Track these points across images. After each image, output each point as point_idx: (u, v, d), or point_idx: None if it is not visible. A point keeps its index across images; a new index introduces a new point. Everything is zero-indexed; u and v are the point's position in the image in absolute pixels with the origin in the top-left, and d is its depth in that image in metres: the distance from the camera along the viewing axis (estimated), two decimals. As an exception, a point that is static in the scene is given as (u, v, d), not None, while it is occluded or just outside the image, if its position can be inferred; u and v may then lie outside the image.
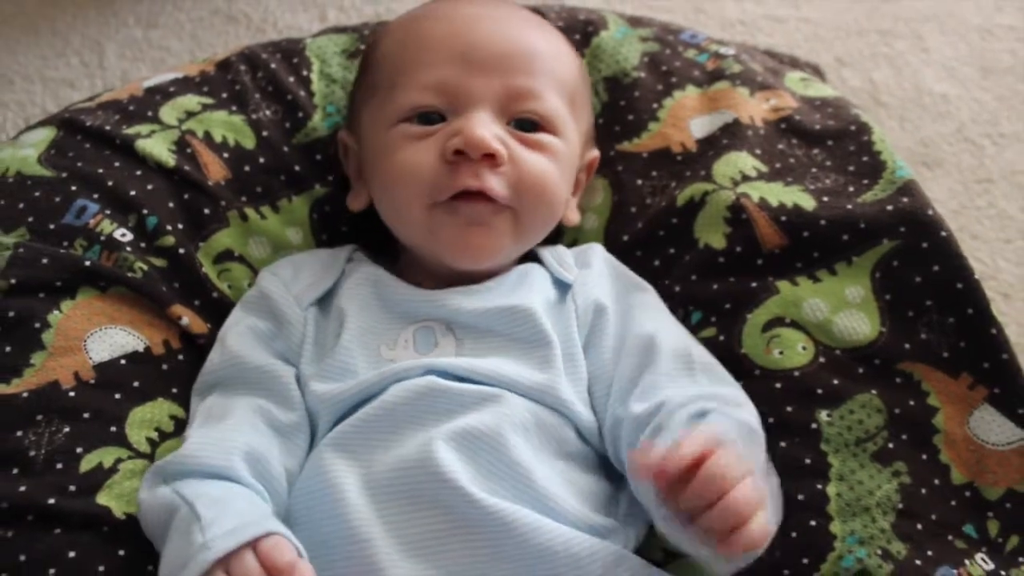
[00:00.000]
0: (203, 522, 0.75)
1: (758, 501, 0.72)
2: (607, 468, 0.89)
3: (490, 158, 0.90)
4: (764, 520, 0.73)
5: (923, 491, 0.87)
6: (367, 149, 0.99)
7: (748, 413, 0.85)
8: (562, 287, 0.95)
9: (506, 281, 0.94)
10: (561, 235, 1.06)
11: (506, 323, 0.90)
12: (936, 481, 0.88)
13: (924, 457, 0.89)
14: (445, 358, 0.88)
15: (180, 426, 0.91)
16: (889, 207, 0.96)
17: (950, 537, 0.86)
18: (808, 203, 0.98)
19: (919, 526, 0.86)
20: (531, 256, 0.99)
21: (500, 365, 0.87)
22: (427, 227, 0.93)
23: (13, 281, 0.91)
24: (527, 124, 0.94)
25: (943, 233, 0.94)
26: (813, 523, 0.86)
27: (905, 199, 0.96)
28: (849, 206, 0.97)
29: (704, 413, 0.80)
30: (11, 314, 0.90)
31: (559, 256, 0.98)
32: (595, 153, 1.05)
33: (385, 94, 0.97)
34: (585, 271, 0.96)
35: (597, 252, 0.99)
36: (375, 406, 0.85)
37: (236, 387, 0.89)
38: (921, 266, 0.93)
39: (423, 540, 0.79)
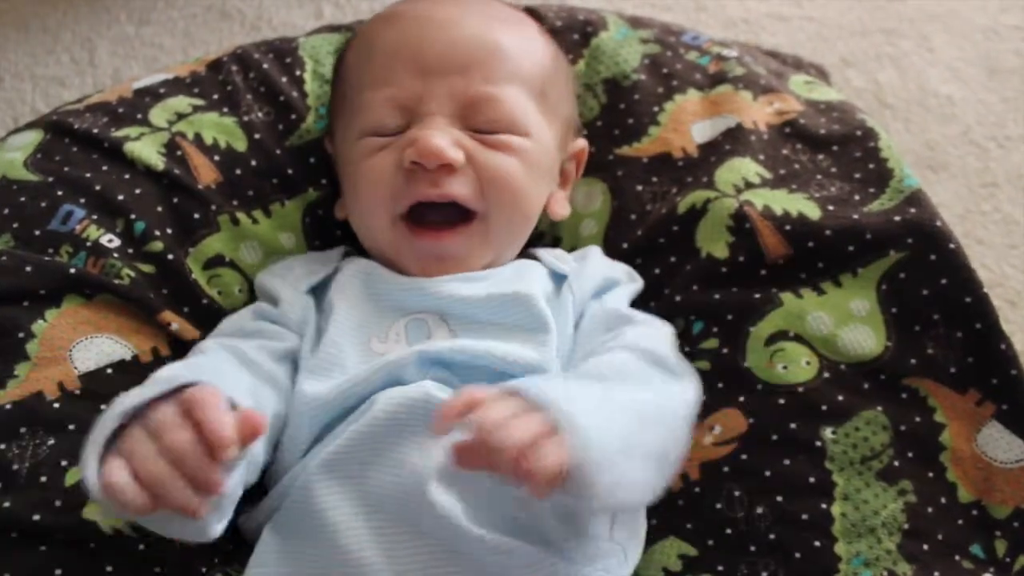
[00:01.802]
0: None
1: (529, 431, 0.65)
2: None
3: (447, 167, 0.89)
4: (558, 448, 0.65)
5: (929, 510, 0.86)
6: (340, 161, 0.99)
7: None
8: (558, 280, 0.93)
9: (503, 272, 0.92)
10: (559, 243, 1.04)
11: (504, 311, 0.88)
12: (943, 500, 0.86)
13: (931, 475, 0.87)
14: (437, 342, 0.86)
15: (170, 437, 0.89)
16: (896, 217, 0.94)
17: (957, 557, 0.84)
18: (813, 212, 0.96)
19: (925, 547, 0.84)
20: (527, 256, 0.97)
21: (493, 347, 0.85)
22: (393, 243, 0.92)
23: (-4, 290, 0.89)
24: (490, 131, 0.92)
25: (951, 245, 0.92)
26: (817, 544, 0.84)
27: (913, 209, 0.94)
28: (855, 216, 0.94)
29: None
30: (-6, 324, 0.88)
31: (555, 254, 0.97)
32: (581, 143, 1.02)
33: (350, 110, 0.96)
34: (581, 263, 0.95)
35: (595, 251, 0.98)
36: (366, 423, 0.82)
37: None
38: (929, 279, 0.91)
39: (423, 570, 0.77)
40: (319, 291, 0.94)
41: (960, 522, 0.86)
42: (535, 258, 0.96)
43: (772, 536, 0.85)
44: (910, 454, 0.87)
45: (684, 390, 0.82)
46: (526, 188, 0.93)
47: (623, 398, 0.76)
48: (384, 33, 0.96)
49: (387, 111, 0.92)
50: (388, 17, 0.99)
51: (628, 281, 0.96)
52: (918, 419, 0.88)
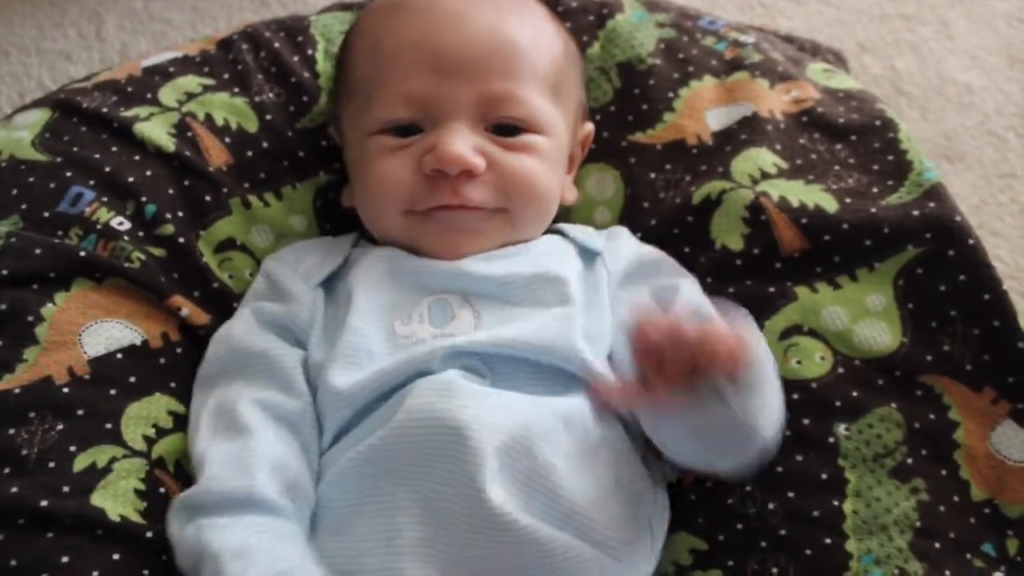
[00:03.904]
0: None
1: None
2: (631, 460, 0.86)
3: (468, 173, 0.88)
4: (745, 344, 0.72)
5: (942, 508, 0.85)
6: (348, 153, 0.98)
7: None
8: (589, 255, 0.93)
9: (534, 249, 0.91)
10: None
11: (530, 290, 0.87)
12: (955, 498, 0.86)
13: (943, 473, 0.86)
14: (463, 335, 0.85)
15: (179, 422, 0.88)
16: (915, 212, 0.92)
17: (968, 556, 0.84)
18: (830, 204, 0.94)
19: (937, 545, 0.83)
20: (553, 232, 0.96)
21: (520, 331, 0.84)
22: (407, 231, 0.91)
23: (5, 272, 0.88)
24: (508, 128, 0.91)
25: (971, 241, 0.90)
26: (828, 541, 0.83)
27: (932, 204, 0.93)
28: (873, 209, 0.93)
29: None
30: (3, 307, 0.87)
31: (582, 228, 0.96)
32: (588, 127, 1.02)
33: (360, 104, 0.94)
34: (613, 242, 0.94)
35: (624, 231, 0.97)
36: (400, 422, 0.80)
37: (238, 377, 0.86)
38: (946, 275, 0.90)
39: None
40: (331, 281, 0.93)
41: (972, 521, 0.85)
42: (561, 233, 0.95)
43: (783, 532, 0.84)
44: (923, 452, 0.86)
45: None
46: (547, 185, 0.92)
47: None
48: (389, 25, 0.94)
49: (400, 107, 0.90)
50: (391, 7, 0.96)
51: (680, 276, 0.93)
52: (932, 416, 0.87)
